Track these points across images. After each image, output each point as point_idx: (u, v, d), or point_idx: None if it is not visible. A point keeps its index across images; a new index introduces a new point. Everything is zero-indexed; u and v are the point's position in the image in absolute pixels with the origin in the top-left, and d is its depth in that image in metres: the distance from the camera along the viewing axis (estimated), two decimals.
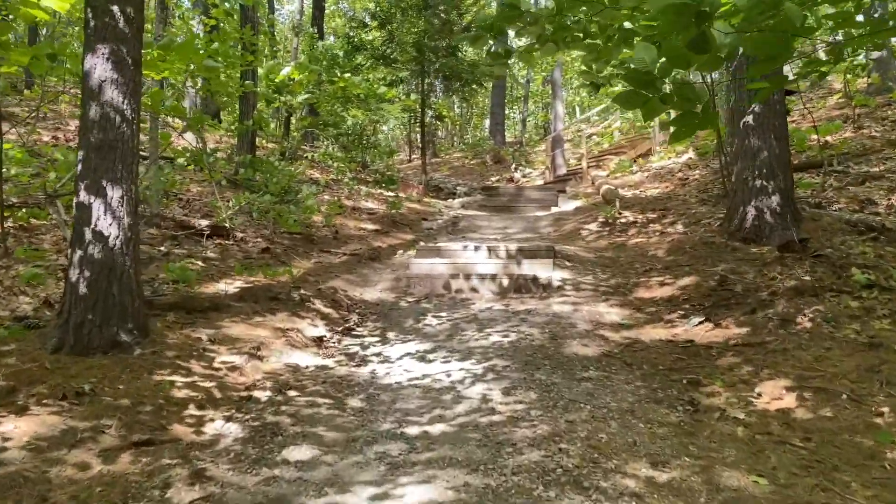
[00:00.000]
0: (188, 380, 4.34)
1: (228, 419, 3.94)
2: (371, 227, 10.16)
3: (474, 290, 7.08)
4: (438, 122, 23.08)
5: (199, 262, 6.83)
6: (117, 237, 4.51)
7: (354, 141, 16.08)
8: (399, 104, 14.37)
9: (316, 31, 18.24)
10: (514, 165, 21.71)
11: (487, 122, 33.73)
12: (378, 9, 15.27)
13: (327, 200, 11.03)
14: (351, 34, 15.91)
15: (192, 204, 8.81)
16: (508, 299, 6.79)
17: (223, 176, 9.50)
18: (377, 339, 5.71)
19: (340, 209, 10.72)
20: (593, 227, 9.82)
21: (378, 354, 5.24)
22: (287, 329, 5.50)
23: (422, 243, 9.30)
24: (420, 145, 16.19)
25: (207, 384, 4.36)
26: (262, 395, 4.35)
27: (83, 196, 4.50)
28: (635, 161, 16.25)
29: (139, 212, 5.12)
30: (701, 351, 4.97)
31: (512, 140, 28.74)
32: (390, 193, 12.22)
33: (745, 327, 5.19)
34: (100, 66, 4.55)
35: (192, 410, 4.01)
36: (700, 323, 5.44)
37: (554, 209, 13.15)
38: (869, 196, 7.74)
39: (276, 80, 12.29)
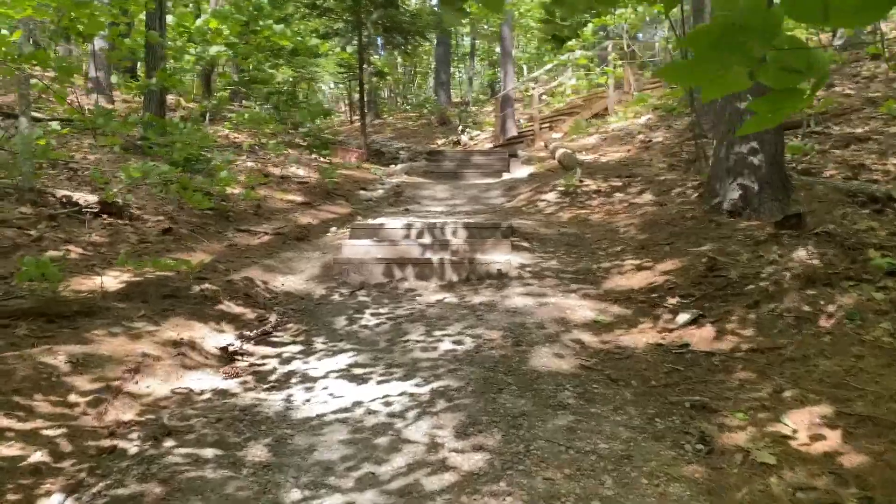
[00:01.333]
0: (26, 426, 3.15)
1: (71, 491, 2.78)
2: (300, 199, 8.90)
3: (420, 277, 5.97)
4: (380, 81, 21.62)
5: (79, 250, 5.51)
6: None
7: (287, 100, 14.60)
8: (333, 58, 12.94)
9: None
10: (460, 127, 20.49)
11: (432, 81, 32.33)
12: None
13: (250, 168, 9.69)
14: None
15: (81, 175, 7.39)
16: (460, 290, 5.71)
17: (121, 141, 8.05)
18: (300, 347, 4.57)
19: (265, 178, 9.41)
20: (551, 197, 8.79)
21: (297, 373, 4.10)
22: (181, 340, 4.30)
23: (359, 219, 8.13)
24: (359, 106, 14.83)
25: (54, 432, 3.17)
26: (131, 445, 3.18)
27: None
28: (590, 121, 15.29)
29: None
30: (701, 360, 4.01)
31: (458, 100, 27.44)
32: (324, 160, 10.91)
33: (750, 327, 4.24)
34: None
35: (20, 479, 2.84)
36: (693, 321, 4.48)
37: (506, 175, 12.09)
38: (861, 161, 6.90)
39: (191, 29, 10.77)
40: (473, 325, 4.79)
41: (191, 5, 14.94)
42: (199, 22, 10.49)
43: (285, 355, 4.42)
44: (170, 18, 10.56)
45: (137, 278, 5.17)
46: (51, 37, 6.81)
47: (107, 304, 4.62)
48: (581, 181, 8.77)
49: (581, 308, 4.99)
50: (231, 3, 12.76)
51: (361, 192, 10.23)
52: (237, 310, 5.09)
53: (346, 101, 29.92)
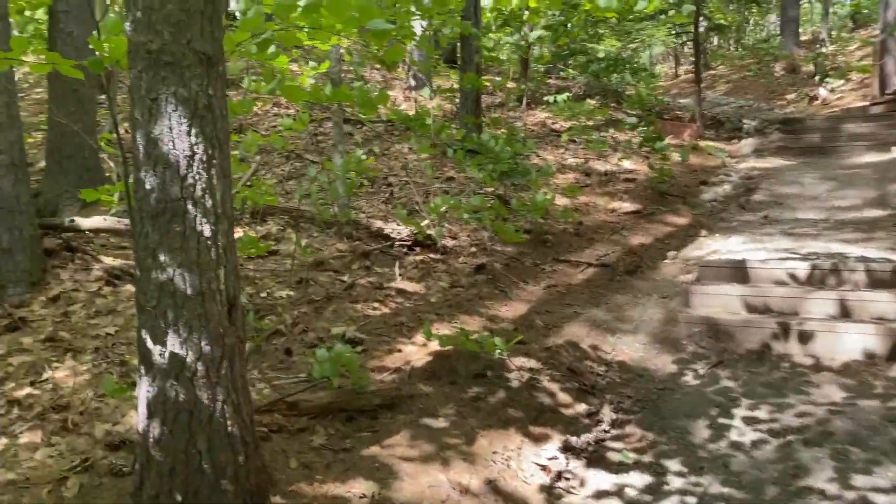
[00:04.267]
0: None
1: None
2: (628, 205, 7.54)
3: (813, 355, 4.28)
4: (719, 35, 18.73)
5: (388, 304, 4.96)
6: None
7: (608, 67, 13.16)
8: (664, 22, 11.12)
9: None
10: (817, 77, 16.88)
11: (772, 18, 27.78)
12: None
13: (567, 167, 8.58)
14: None
15: (398, 195, 7.01)
16: (884, 373, 3.92)
17: (434, 150, 7.53)
18: (646, 477, 3.35)
19: (587, 178, 8.23)
20: None
21: None
22: (493, 458, 3.39)
23: (703, 234, 6.53)
24: (693, 67, 12.75)
25: None
26: None
27: None
28: None
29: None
30: None
31: (808, 39, 23.01)
32: (653, 138, 9.32)
33: None
34: None
35: None
36: None
37: None
38: None
39: (507, 12, 9.92)
40: None
41: None
42: (515, 2, 9.57)
43: (628, 494, 3.23)
44: (485, 1, 9.83)
45: (445, 349, 4.41)
46: (360, 63, 6.48)
47: (410, 391, 3.91)
48: None
49: None
50: None
51: (701, 187, 8.48)
52: (561, 397, 4.04)
53: (671, 53, 27.19)
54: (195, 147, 2.64)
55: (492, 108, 11.81)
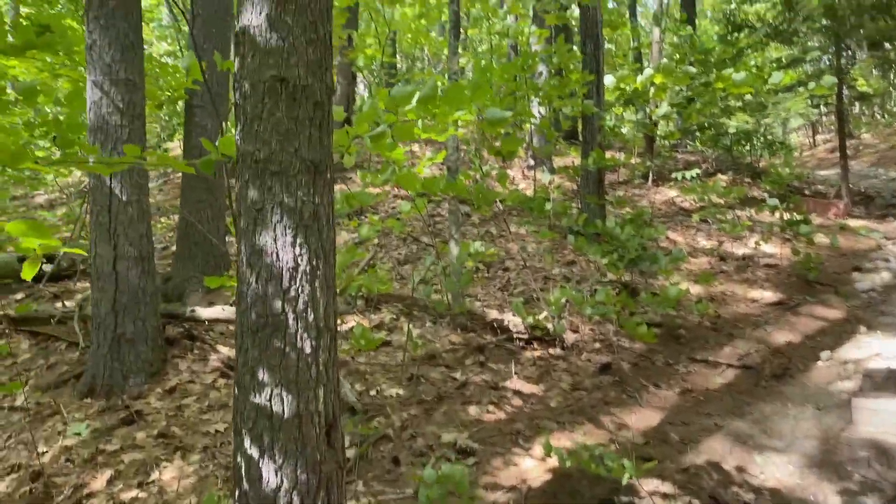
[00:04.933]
0: None
1: None
2: (770, 295, 6.83)
3: None
4: (863, 104, 17.51)
5: (503, 407, 4.60)
6: None
7: (740, 140, 12.47)
8: (802, 96, 10.39)
9: (685, 11, 14.97)
10: None
11: None
12: None
13: (699, 250, 7.97)
14: (731, 9, 12.32)
15: (495, 277, 6.72)
16: None
17: (554, 235, 7.23)
18: None
19: (722, 262, 7.60)
20: None
21: None
22: None
23: (861, 331, 5.75)
24: (838, 139, 11.84)
25: None
26: None
27: None
28: None
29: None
30: None
31: None
32: (797, 221, 8.50)
33: None
34: None
35: None
36: None
37: None
38: None
39: (631, 89, 9.62)
40: None
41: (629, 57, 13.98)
42: (640, 79, 9.27)
43: None
44: (609, 79, 9.59)
45: (573, 468, 3.99)
46: (477, 154, 6.37)
47: None
48: None
49: None
50: (674, 50, 11.33)
51: (854, 274, 7.59)
52: None
53: (809, 122, 25.70)
54: (299, 258, 2.49)
55: (615, 186, 11.40)
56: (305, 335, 2.49)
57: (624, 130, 14.62)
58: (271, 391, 2.44)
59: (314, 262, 2.52)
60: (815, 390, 4.91)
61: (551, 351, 5.39)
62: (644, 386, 4.94)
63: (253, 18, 2.53)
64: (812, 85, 8.19)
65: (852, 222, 9.92)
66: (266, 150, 2.48)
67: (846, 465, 3.98)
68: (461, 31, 16.00)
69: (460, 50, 14.93)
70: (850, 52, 10.86)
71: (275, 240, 2.47)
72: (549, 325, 5.49)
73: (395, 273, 7.10)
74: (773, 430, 4.40)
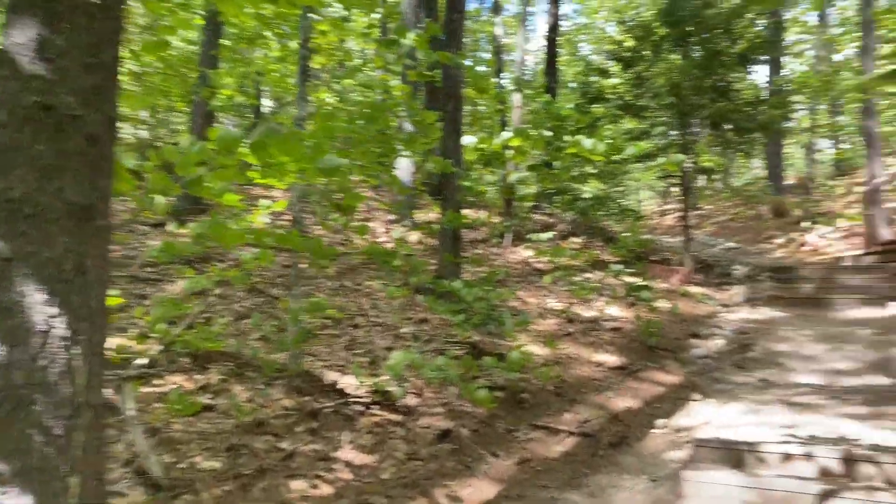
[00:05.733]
0: None
1: None
2: (613, 359, 6.94)
3: None
4: (707, 178, 18.93)
5: (330, 481, 4.23)
6: None
7: (595, 206, 12.99)
8: (654, 167, 11.03)
9: (547, 80, 15.65)
10: (807, 223, 16.85)
11: (757, 162, 28.47)
12: (620, 48, 12.16)
13: (548, 311, 8.05)
14: (591, 80, 12.97)
15: (344, 334, 6.41)
16: None
17: (408, 292, 7.04)
18: None
19: (569, 324, 7.69)
20: None
21: None
22: None
23: (695, 398, 5.90)
24: (681, 207, 12.61)
25: None
26: None
27: None
28: None
29: None
30: None
31: (793, 182, 23.35)
32: (640, 287, 8.82)
33: None
34: None
35: None
36: None
37: (893, 307, 8.77)
38: None
39: (488, 151, 9.76)
40: None
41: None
42: (497, 141, 9.43)
43: None
44: (468, 140, 9.68)
45: None
46: (317, 202, 6.16)
47: None
48: None
49: None
50: (535, 116, 11.73)
51: (692, 340, 7.92)
52: None
53: (658, 193, 27.60)
54: (54, 320, 2.08)
55: (476, 244, 11.46)
56: (56, 413, 2.07)
57: (487, 193, 14.92)
58: (7, 484, 1.99)
59: (75, 326, 2.11)
60: (649, 460, 4.92)
61: (391, 416, 5.09)
62: (482, 455, 4.74)
63: (18, 36, 2.15)
64: (662, 159, 8.64)
65: (693, 289, 10.47)
66: (21, 189, 2.08)
67: None
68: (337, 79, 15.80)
69: (332, 99, 14.74)
70: (694, 129, 11.66)
71: (23, 297, 2.05)
72: (392, 389, 5.21)
73: (234, 328, 6.58)
74: None
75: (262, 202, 4.79)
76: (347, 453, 4.56)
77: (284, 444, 4.55)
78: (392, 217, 10.81)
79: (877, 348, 7.17)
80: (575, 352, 6.98)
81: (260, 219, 5.21)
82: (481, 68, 15.88)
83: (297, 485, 4.12)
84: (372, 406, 5.19)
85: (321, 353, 6.10)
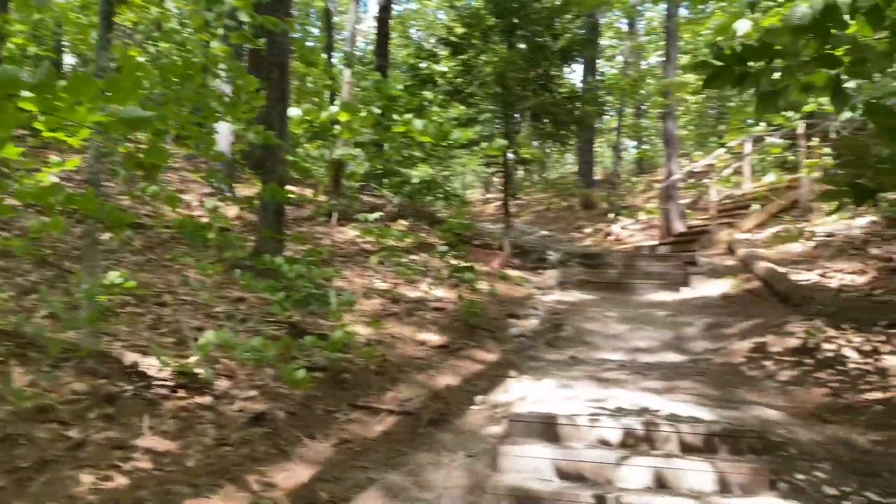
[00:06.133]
0: None
1: None
2: (436, 338, 7.00)
3: None
4: (526, 169, 19.92)
5: (127, 472, 3.81)
6: None
7: (422, 190, 13.08)
8: (479, 153, 11.30)
9: (378, 60, 15.50)
10: (612, 215, 18.25)
11: (570, 157, 30.41)
12: (450, 34, 12.29)
13: (374, 291, 7.97)
14: (420, 65, 12.98)
15: (166, 321, 5.90)
16: None
17: (220, 268, 6.60)
18: None
19: (394, 304, 7.64)
20: (778, 349, 6.37)
21: None
22: None
23: (512, 375, 6.09)
24: (503, 195, 13.07)
25: None
26: None
27: None
28: (777, 216, 12.69)
29: None
30: None
31: (601, 178, 25.22)
32: (463, 269, 8.97)
33: None
34: None
35: None
36: None
37: (687, 291, 9.70)
38: None
39: (317, 124, 9.44)
40: None
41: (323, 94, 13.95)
42: (325, 115, 9.14)
43: None
44: (295, 112, 9.29)
45: None
46: (124, 166, 5.59)
47: None
48: (822, 330, 6.30)
49: None
50: (364, 94, 11.54)
51: (510, 320, 8.20)
52: None
53: (482, 180, 28.56)
54: None
55: (300, 222, 11.09)
56: None
57: (315, 170, 14.52)
58: None
59: None
60: (468, 436, 4.97)
61: (199, 400, 4.71)
62: (299, 438, 4.53)
63: None
64: (485, 144, 8.82)
65: (511, 272, 10.88)
66: None
67: None
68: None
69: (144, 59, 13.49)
70: (517, 120, 12.09)
71: None
72: (201, 371, 4.82)
73: (15, 303, 5.77)
74: (426, 482, 4.29)
75: (54, 159, 4.19)
76: (148, 441, 4.14)
77: (73, 433, 4.04)
78: (209, 190, 10.14)
79: (671, 328, 7.87)
80: (399, 331, 6.94)
81: (50, 178, 4.58)
82: (311, 43, 15.39)
83: (87, 477, 3.66)
84: (178, 389, 4.77)
85: (121, 333, 5.52)
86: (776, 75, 2.90)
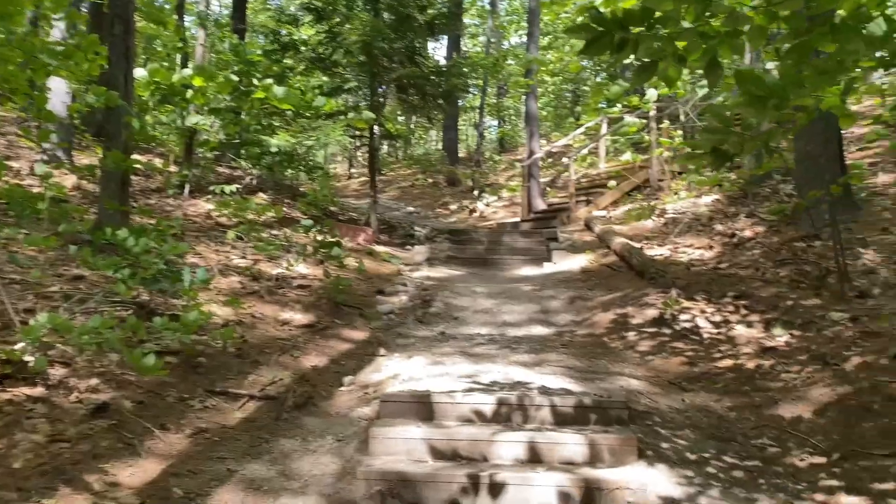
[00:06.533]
0: None
1: None
2: (301, 317, 6.66)
3: None
4: (392, 144, 19.62)
5: None
6: None
7: (283, 161, 12.48)
8: (342, 123, 10.90)
9: (235, 23, 14.58)
10: (476, 192, 18.46)
11: (434, 134, 30.52)
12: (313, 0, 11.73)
13: (232, 268, 7.47)
14: (280, 31, 12.31)
15: None
16: None
17: (57, 241, 5.89)
18: None
19: (255, 284, 7.21)
20: (638, 320, 6.63)
21: None
22: None
23: (381, 353, 5.91)
24: (368, 170, 12.78)
25: None
26: None
27: None
28: (629, 195, 13.33)
29: None
30: None
31: (465, 156, 25.50)
32: (330, 244, 8.62)
33: None
34: None
35: None
36: None
37: (549, 266, 9.94)
38: None
39: (167, 87, 8.68)
40: None
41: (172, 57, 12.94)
42: (176, 77, 8.41)
43: None
44: (141, 72, 8.47)
45: None
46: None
47: None
48: (677, 300, 6.62)
49: None
50: (223, 57, 10.78)
51: (378, 297, 8.00)
52: None
53: (346, 155, 27.99)
54: None
55: (148, 194, 10.23)
56: None
57: (164, 137, 13.48)
58: None
59: None
60: (337, 419, 4.74)
61: (28, 392, 4.14)
62: (148, 429, 4.10)
63: None
64: (352, 115, 8.48)
65: (378, 248, 10.67)
66: None
67: (361, 502, 3.79)
68: None
69: None
70: (383, 92, 11.81)
71: None
72: (30, 359, 4.24)
73: None
74: (292, 470, 4.02)
75: None
76: None
77: None
78: (42, 157, 9.08)
79: (536, 302, 8.01)
80: (260, 311, 6.54)
81: None
82: (160, 1, 14.18)
83: None
84: (2, 381, 4.17)
85: None
86: (655, 45, 2.87)
